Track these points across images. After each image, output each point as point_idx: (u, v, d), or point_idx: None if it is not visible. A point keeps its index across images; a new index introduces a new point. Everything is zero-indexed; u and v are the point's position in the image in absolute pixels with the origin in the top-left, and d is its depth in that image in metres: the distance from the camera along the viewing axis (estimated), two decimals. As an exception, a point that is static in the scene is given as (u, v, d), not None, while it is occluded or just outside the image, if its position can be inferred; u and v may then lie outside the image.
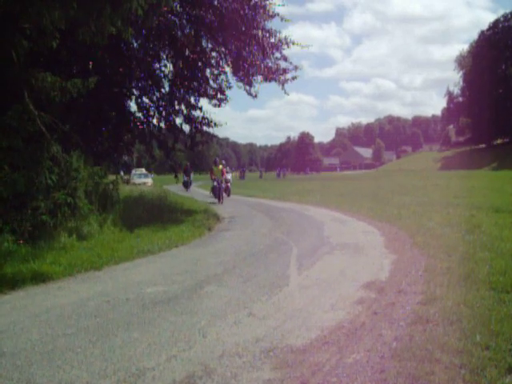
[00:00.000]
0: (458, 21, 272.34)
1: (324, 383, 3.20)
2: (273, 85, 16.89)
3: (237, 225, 12.91)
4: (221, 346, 3.91)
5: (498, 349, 3.57)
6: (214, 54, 14.94)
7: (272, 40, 13.96)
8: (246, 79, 14.50)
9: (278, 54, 14.36)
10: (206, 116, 15.09)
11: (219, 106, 15.19)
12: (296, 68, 14.54)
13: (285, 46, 14.16)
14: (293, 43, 14.09)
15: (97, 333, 4.32)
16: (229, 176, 23.98)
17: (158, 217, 12.82)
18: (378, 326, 4.31)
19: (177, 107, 15.42)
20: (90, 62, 12.52)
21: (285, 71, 14.47)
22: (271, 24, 14.27)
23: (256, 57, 14.00)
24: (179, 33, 14.30)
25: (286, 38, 14.08)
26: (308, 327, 4.34)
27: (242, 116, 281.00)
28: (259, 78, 14.56)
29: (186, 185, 29.89)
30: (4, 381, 3.34)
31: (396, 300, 5.11)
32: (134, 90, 15.20)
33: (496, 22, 62.05)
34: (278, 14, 13.83)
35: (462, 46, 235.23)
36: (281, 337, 4.10)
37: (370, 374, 3.31)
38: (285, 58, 14.37)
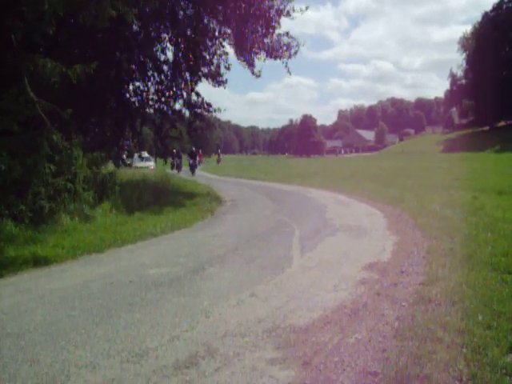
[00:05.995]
0: (456, 1, 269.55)
1: (326, 362, 3.22)
2: (271, 67, 16.60)
3: (239, 207, 12.91)
4: (224, 327, 3.93)
5: (499, 328, 3.58)
6: (216, 33, 14.81)
7: (273, 12, 13.83)
8: (249, 57, 14.38)
9: (279, 30, 14.26)
10: (206, 101, 15.02)
11: (219, 86, 15.14)
12: (298, 44, 14.43)
13: (285, 16, 14.03)
14: (293, 10, 13.95)
15: (100, 314, 4.35)
16: None
17: (161, 200, 12.84)
18: (380, 306, 4.32)
19: (178, 92, 15.33)
20: (91, 46, 12.42)
21: (288, 47, 14.34)
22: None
23: (259, 32, 13.87)
24: (181, 13, 14.15)
25: (285, 7, 13.91)
26: (310, 307, 4.35)
27: (242, 99, 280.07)
28: (262, 56, 14.46)
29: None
30: (9, 361, 3.37)
31: (398, 281, 5.11)
32: (134, 74, 15.09)
33: (500, 3, 61.04)
34: None
35: (460, 28, 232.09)
36: (283, 317, 4.12)
37: (372, 353, 3.33)
38: (286, 34, 14.27)
